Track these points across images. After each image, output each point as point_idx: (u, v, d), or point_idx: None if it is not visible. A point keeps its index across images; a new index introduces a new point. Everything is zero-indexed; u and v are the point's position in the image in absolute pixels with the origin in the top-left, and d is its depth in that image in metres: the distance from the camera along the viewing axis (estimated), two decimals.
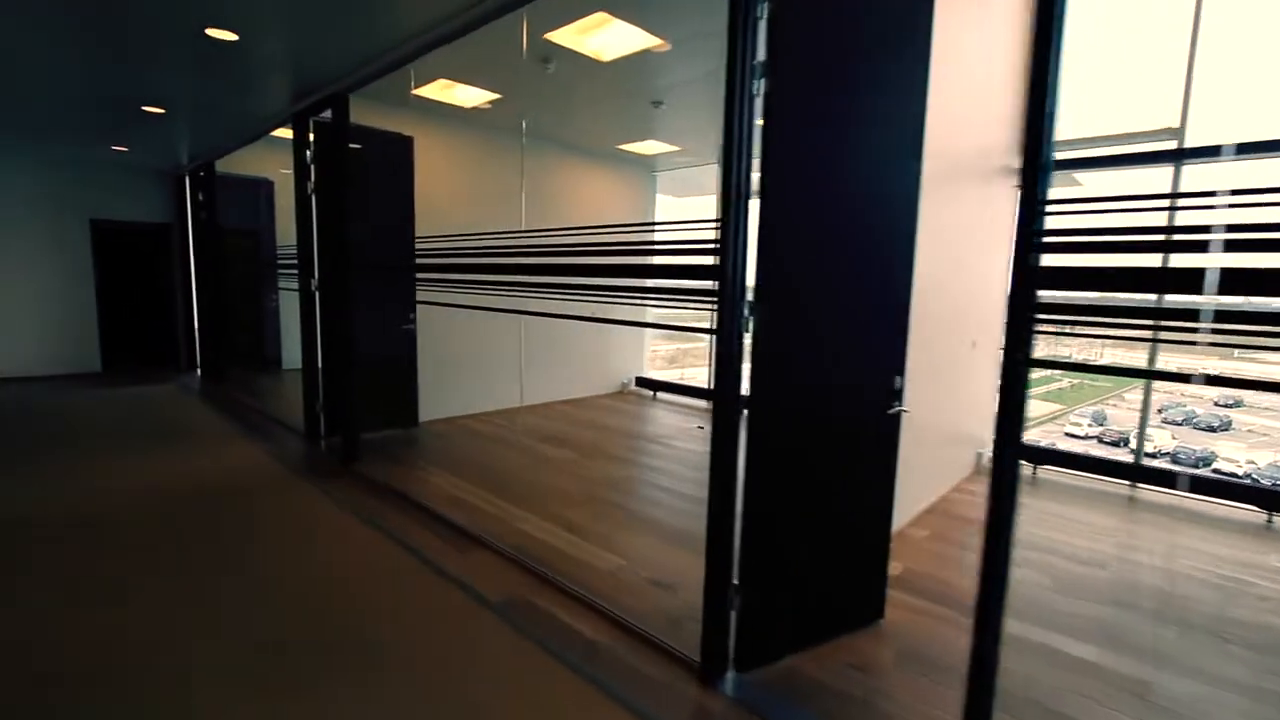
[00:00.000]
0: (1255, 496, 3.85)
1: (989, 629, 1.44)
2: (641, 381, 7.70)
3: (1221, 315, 1.21)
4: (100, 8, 3.04)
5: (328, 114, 4.20)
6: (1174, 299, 1.26)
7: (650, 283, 2.52)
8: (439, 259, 3.80)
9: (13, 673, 2.03)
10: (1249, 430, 6.04)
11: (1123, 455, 5.52)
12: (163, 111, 4.96)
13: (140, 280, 8.86)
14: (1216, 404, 6.18)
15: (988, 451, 4.82)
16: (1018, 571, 2.93)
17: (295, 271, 4.76)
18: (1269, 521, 3.71)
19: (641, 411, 6.68)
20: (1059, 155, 4.50)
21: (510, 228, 3.45)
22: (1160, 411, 5.87)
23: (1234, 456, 5.72)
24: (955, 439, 4.21)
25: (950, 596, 2.69)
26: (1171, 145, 3.97)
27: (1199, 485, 4.03)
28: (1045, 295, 1.35)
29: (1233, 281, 1.13)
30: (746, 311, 1.91)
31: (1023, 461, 4.70)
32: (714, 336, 1.95)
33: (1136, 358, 4.67)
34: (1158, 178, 4.24)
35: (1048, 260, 1.32)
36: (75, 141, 6.25)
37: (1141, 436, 4.36)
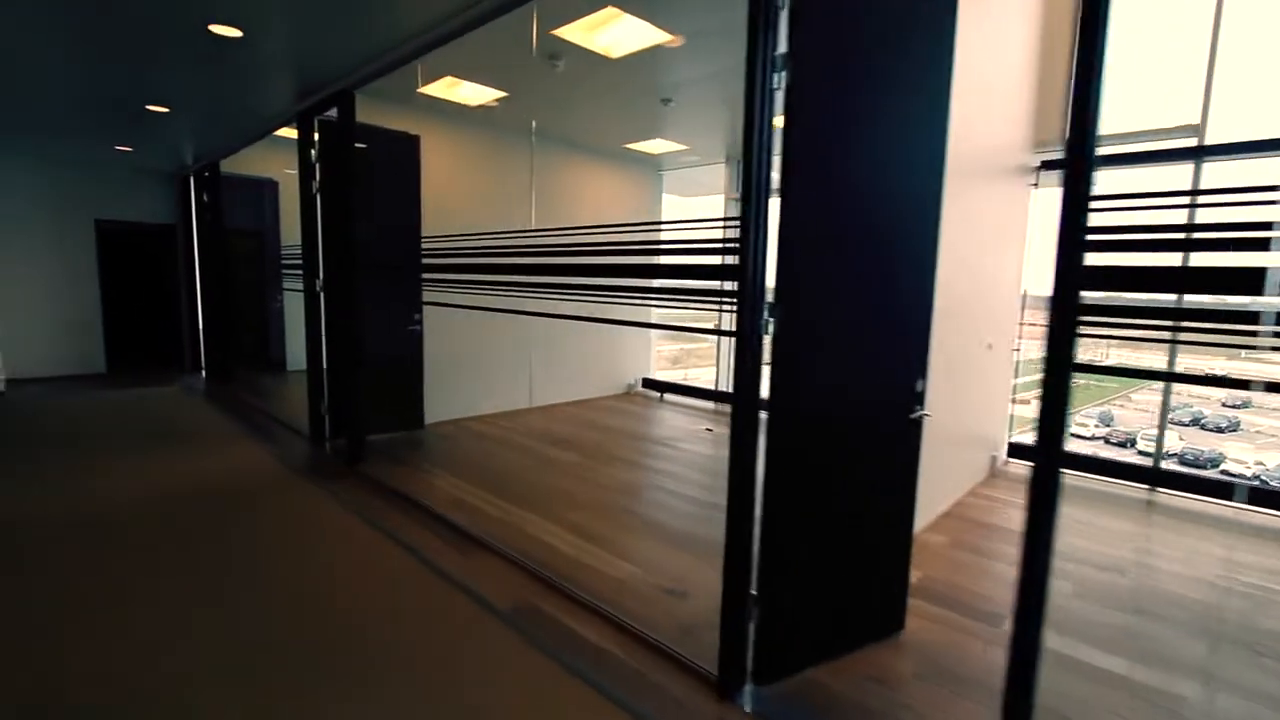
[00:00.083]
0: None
1: (1027, 648, 1.37)
2: (648, 383, 7.64)
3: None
4: (101, 6, 2.99)
5: (333, 112, 4.15)
6: (1222, 301, 1.20)
7: (662, 283, 2.46)
8: (445, 259, 3.75)
9: (13, 673, 2.01)
10: (1257, 431, 5.97)
11: (1130, 456, 5.44)
12: (167, 111, 4.92)
13: (145, 281, 8.85)
14: (1224, 405, 6.10)
15: (1002, 454, 4.75)
16: None
17: (300, 272, 4.71)
18: None
19: (648, 413, 6.62)
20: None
21: (516, 227, 3.39)
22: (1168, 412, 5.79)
23: (1242, 458, 5.65)
24: (970, 441, 4.14)
25: (971, 605, 2.62)
26: (1192, 142, 3.89)
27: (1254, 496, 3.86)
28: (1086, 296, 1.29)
29: None
30: (767, 313, 1.85)
31: (1028, 463, 4.65)
32: (733, 339, 1.89)
33: (1137, 358, 4.58)
34: (1177, 176, 4.16)
35: (1092, 259, 1.25)
36: (79, 142, 6.22)
37: (1161, 439, 4.27)
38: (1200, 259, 1.13)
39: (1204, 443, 5.93)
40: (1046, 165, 4.55)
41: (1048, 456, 1.29)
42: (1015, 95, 4.03)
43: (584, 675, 2.05)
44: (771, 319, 1.85)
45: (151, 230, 8.06)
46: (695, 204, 8.11)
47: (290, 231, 5.33)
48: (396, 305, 4.92)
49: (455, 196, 5.48)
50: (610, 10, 3.22)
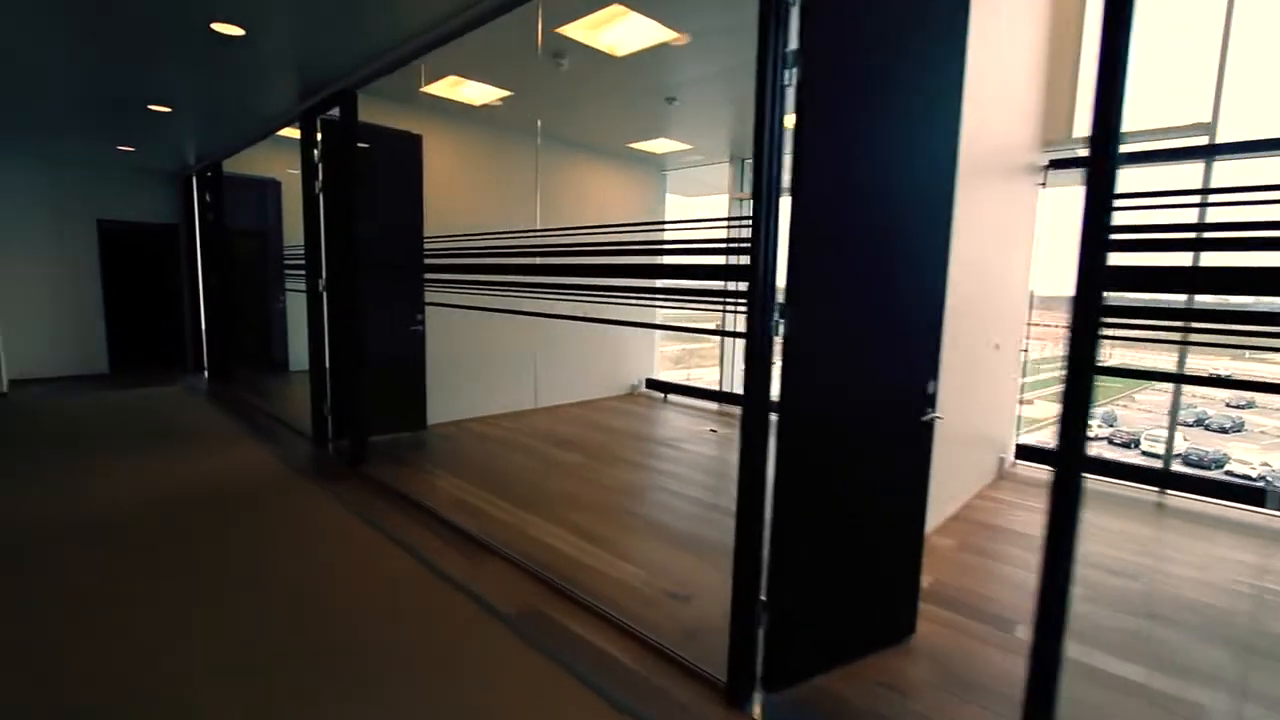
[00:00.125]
0: None
1: (1048, 658, 1.34)
2: (652, 383, 7.60)
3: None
4: (101, 5, 2.97)
5: (335, 112, 4.13)
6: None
7: (666, 283, 2.43)
8: (448, 259, 3.72)
9: (13, 673, 1.99)
10: (1261, 431, 5.91)
11: (1134, 456, 5.39)
12: (169, 110, 4.90)
13: (147, 281, 8.84)
14: (1229, 405, 6.05)
15: (1010, 456, 4.71)
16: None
17: (303, 272, 4.69)
18: None
19: (652, 414, 6.59)
20: (1081, 152, 4.39)
21: (520, 227, 3.37)
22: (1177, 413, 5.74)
23: (1247, 458, 5.59)
24: (978, 443, 4.10)
25: (982, 610, 2.58)
26: (1203, 140, 3.85)
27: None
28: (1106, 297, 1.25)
29: None
30: (778, 314, 1.82)
31: (1035, 464, 4.61)
32: (745, 339, 1.86)
33: (1139, 358, 4.53)
34: (1185, 175, 4.12)
35: (1115, 259, 1.21)
36: (81, 142, 6.20)
37: (1171, 440, 4.23)
38: (1220, 259, 1.09)
39: (1208, 443, 5.88)
40: (1055, 164, 4.51)
41: (1070, 461, 1.25)
42: (1023, 94, 3.99)
43: (585, 678, 2.03)
44: (782, 320, 1.81)
45: (154, 230, 8.04)
46: (698, 204, 8.08)
47: (293, 231, 5.31)
48: (399, 305, 4.90)
49: (458, 196, 5.45)
50: (616, 8, 3.18)
